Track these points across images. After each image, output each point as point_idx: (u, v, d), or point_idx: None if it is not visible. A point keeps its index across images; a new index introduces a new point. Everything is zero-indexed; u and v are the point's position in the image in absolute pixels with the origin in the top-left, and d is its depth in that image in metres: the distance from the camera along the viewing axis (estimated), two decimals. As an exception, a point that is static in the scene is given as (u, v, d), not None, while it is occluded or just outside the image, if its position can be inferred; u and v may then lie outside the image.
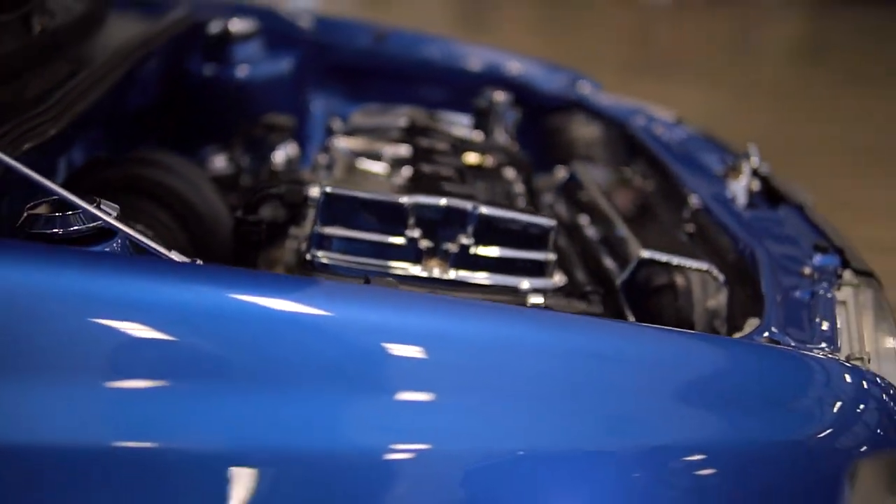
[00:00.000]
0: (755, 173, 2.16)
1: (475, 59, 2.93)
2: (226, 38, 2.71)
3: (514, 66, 2.90)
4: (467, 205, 1.67)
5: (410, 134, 2.21)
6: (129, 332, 1.15)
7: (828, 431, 1.40)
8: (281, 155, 2.38)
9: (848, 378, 1.45)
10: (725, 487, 1.33)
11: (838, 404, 1.42)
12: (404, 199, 1.67)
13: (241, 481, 1.16)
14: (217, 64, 2.71)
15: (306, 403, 1.19)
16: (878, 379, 1.46)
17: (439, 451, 1.23)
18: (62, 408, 1.12)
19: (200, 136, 2.65)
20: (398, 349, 1.24)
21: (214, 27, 2.72)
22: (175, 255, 1.27)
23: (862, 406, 1.44)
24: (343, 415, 1.21)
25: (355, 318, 1.24)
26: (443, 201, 1.67)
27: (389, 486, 1.22)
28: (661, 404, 1.32)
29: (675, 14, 11.86)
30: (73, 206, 1.26)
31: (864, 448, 1.43)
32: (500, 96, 2.46)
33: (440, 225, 1.68)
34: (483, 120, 2.43)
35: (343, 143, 2.14)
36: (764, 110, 6.92)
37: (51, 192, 1.24)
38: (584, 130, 2.73)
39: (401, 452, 1.21)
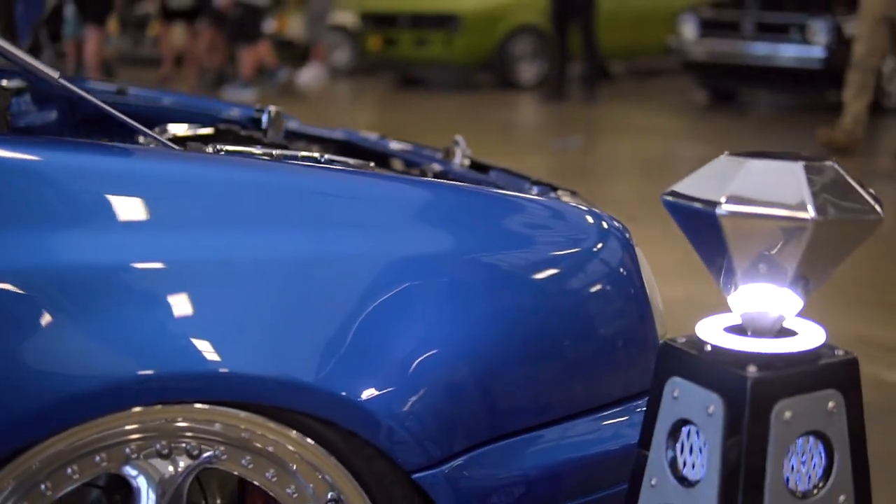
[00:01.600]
0: (464, 154, 2.95)
1: (201, 104, 3.54)
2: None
3: (234, 112, 3.53)
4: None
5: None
6: None
7: (573, 260, 1.88)
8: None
9: (590, 219, 1.97)
10: (468, 294, 1.81)
11: (582, 238, 1.93)
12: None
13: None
14: (-5, 117, 3.15)
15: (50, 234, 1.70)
16: (615, 222, 2.00)
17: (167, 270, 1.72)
18: None
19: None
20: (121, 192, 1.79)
21: (-10, 84, 3.17)
22: None
23: (601, 244, 1.94)
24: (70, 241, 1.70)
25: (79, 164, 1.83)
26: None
27: (123, 299, 1.68)
28: (399, 221, 1.87)
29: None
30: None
31: (603, 283, 1.89)
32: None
33: None
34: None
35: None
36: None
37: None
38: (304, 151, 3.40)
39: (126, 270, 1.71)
